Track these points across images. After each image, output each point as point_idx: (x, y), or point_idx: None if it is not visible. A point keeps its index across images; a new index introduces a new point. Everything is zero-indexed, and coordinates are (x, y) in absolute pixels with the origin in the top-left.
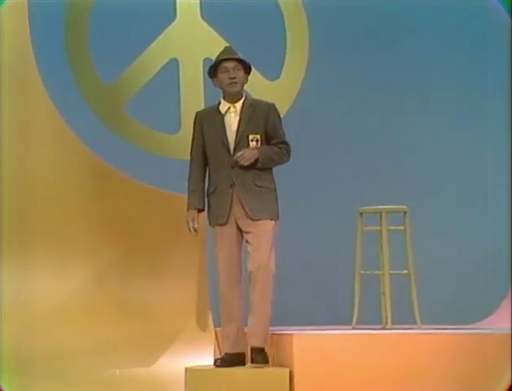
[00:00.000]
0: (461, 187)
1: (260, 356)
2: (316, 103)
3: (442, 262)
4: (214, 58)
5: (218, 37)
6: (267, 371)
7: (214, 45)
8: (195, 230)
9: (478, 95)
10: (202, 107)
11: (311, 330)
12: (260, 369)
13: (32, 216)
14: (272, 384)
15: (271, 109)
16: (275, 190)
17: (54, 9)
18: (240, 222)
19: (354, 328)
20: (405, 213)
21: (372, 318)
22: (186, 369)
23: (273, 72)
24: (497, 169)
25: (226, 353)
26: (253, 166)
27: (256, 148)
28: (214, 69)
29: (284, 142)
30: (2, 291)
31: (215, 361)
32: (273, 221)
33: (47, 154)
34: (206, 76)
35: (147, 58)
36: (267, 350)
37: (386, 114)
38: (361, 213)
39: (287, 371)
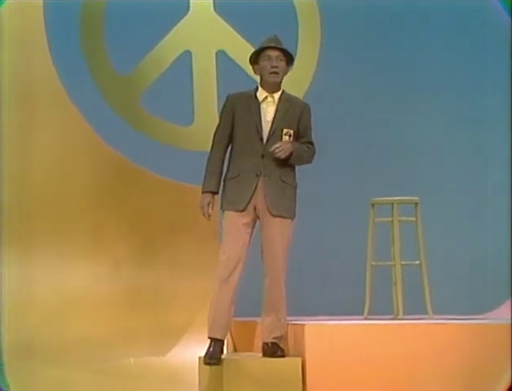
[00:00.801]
0: (472, 178)
1: (278, 351)
2: (328, 94)
3: (453, 253)
4: (226, 50)
5: (231, 29)
6: (280, 361)
7: (227, 37)
8: (209, 215)
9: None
10: (215, 98)
11: (322, 320)
12: (273, 359)
13: (45, 209)
14: (284, 373)
15: (305, 108)
16: (296, 187)
17: (68, 3)
18: (259, 213)
19: (365, 318)
20: (416, 204)
21: (383, 309)
22: (199, 358)
23: None
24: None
25: (215, 340)
26: (283, 160)
27: (290, 143)
28: (256, 56)
29: (312, 143)
30: (16, 283)
31: (205, 359)
32: (290, 220)
33: (62, 146)
34: (219, 67)
35: (161, 50)
36: (282, 346)
37: (396, 106)
38: (373, 204)
39: (299, 360)
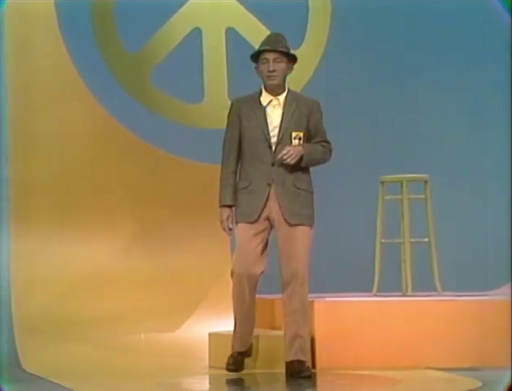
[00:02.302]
0: (480, 156)
1: (303, 370)
2: (337, 72)
3: (461, 230)
4: (236, 27)
5: (241, 6)
6: None
7: (237, 15)
8: (230, 230)
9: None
10: (225, 76)
11: (332, 297)
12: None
13: (55, 187)
14: None
15: (314, 106)
16: (312, 192)
17: None
18: (275, 223)
19: (374, 295)
20: (426, 181)
21: (392, 286)
22: (209, 334)
23: (295, 40)
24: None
25: (237, 352)
26: (295, 165)
27: (300, 146)
28: (256, 57)
29: (327, 141)
30: (26, 260)
31: (227, 364)
32: (309, 228)
33: (74, 124)
34: (229, 45)
35: (171, 27)
36: (308, 364)
37: (406, 86)
38: (382, 182)
39: (309, 337)
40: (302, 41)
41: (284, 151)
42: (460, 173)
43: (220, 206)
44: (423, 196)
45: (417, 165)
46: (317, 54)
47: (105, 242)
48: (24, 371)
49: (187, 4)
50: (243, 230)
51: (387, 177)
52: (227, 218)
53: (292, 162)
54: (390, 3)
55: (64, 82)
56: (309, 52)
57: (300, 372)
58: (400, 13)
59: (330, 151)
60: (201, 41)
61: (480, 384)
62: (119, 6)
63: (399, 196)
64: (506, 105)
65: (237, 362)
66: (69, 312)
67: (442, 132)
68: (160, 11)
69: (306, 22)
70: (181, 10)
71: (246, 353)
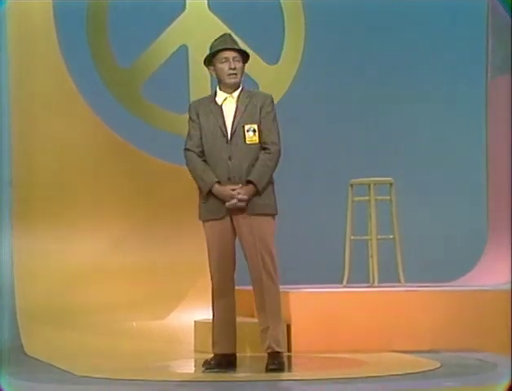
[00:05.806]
0: (443, 160)
1: (276, 361)
2: (311, 84)
3: (423, 228)
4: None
5: (224, 25)
6: None
7: (220, 32)
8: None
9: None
10: (209, 88)
11: (306, 288)
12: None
13: (52, 187)
14: None
15: (266, 100)
16: (272, 183)
17: (76, 2)
18: (234, 217)
19: (344, 287)
20: (391, 184)
21: (360, 278)
22: (195, 322)
23: (273, 57)
24: (475, 151)
25: (217, 354)
26: (251, 161)
27: (242, 188)
28: (211, 57)
29: (274, 143)
30: (34, 256)
31: (205, 363)
32: (270, 218)
33: (70, 131)
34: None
35: (160, 45)
36: (283, 355)
37: (378, 96)
38: (352, 185)
39: (284, 325)
40: (279, 57)
41: (232, 202)
42: (423, 175)
43: (209, 189)
44: (388, 197)
45: (384, 170)
46: (292, 69)
47: (98, 240)
48: (27, 355)
49: (174, 23)
50: (211, 228)
51: (356, 180)
52: (232, 190)
53: (243, 204)
54: (362, 14)
55: (61, 93)
56: (285, 68)
57: (268, 365)
58: (399, 11)
59: (276, 155)
60: (188, 56)
61: (438, 364)
62: (112, 26)
63: (367, 198)
64: (471, 108)
65: (218, 363)
66: (67, 302)
67: (408, 138)
68: (150, 31)
69: (283, 39)
70: (169, 29)
71: (230, 358)
